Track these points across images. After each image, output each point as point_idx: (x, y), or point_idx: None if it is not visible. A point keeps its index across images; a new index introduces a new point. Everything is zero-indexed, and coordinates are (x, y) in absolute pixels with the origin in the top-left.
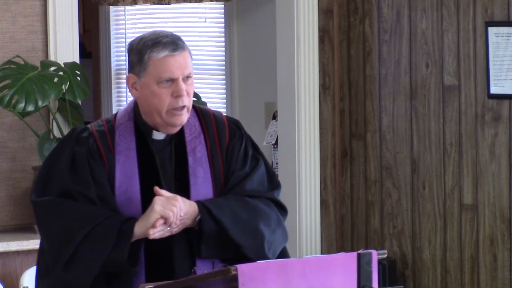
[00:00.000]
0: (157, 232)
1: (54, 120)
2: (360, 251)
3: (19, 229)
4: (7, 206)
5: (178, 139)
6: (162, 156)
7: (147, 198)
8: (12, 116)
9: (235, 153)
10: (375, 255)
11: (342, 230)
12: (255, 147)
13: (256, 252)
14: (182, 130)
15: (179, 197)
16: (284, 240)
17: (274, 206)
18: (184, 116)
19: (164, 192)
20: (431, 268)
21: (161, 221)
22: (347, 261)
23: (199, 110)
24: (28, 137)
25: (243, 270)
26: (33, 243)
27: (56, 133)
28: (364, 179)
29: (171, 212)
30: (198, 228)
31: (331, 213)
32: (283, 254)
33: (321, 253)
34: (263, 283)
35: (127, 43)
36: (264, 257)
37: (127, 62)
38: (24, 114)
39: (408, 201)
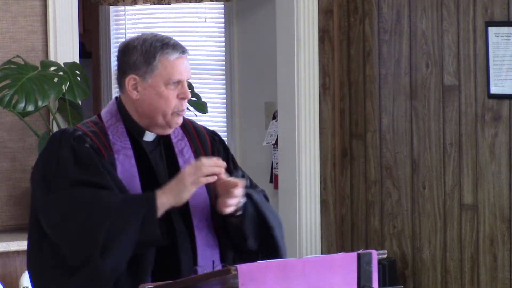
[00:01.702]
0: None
1: (54, 120)
2: (360, 251)
3: (19, 229)
4: (7, 206)
5: (165, 141)
6: (154, 157)
7: None
8: (12, 116)
9: (222, 158)
10: (375, 255)
11: (342, 230)
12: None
13: (282, 236)
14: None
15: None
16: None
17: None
18: (181, 118)
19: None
20: (431, 268)
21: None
22: (347, 261)
23: None
24: (28, 137)
25: (243, 270)
26: None
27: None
28: (364, 179)
29: (207, 165)
30: (242, 213)
31: (331, 213)
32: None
33: (321, 253)
34: (263, 283)
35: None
36: (284, 244)
37: (123, 63)
38: (24, 114)
39: (408, 201)
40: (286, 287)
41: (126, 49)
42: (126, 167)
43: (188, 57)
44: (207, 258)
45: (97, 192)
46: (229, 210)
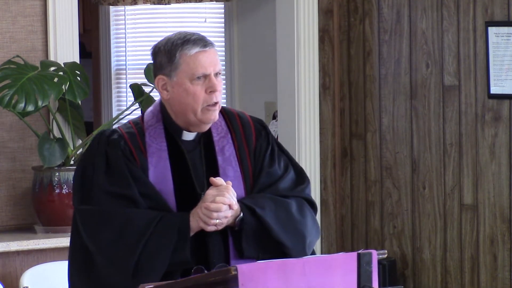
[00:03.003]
0: (212, 226)
1: (54, 120)
2: (360, 251)
3: (19, 229)
4: (7, 206)
5: (206, 139)
6: (192, 157)
7: (181, 199)
8: (12, 116)
9: (263, 152)
10: (375, 255)
11: (342, 230)
12: (279, 145)
13: (299, 251)
14: (209, 130)
15: (230, 187)
16: (317, 238)
17: (307, 205)
18: (217, 113)
19: (218, 181)
20: (431, 268)
21: (215, 214)
22: (347, 261)
23: (223, 110)
24: (28, 137)
25: (243, 270)
26: (33, 243)
27: (56, 133)
28: (364, 179)
29: (221, 203)
30: (239, 228)
31: (331, 213)
32: (312, 253)
33: (321, 253)
34: (263, 283)
35: (127, 43)
36: (305, 255)
37: (153, 65)
38: (24, 114)
39: (408, 201)
40: (286, 287)
41: (153, 52)
42: (159, 170)
43: None
44: None
45: (130, 212)
46: (210, 228)
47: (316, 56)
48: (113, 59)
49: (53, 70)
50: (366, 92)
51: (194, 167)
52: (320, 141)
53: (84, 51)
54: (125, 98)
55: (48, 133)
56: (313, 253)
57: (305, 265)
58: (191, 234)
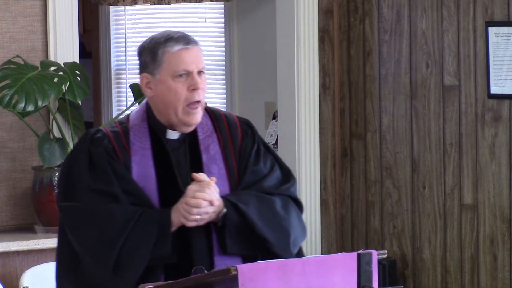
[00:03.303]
0: (193, 221)
1: (54, 120)
2: (360, 251)
3: (19, 229)
4: (7, 206)
5: (191, 138)
6: (177, 155)
7: (164, 196)
8: (12, 116)
9: (248, 151)
10: (375, 255)
11: (342, 230)
12: (265, 145)
13: (283, 248)
14: (195, 130)
15: (212, 183)
16: (303, 236)
17: (292, 202)
18: (199, 115)
19: (200, 176)
20: (431, 268)
21: (195, 210)
22: (347, 261)
23: (210, 110)
24: (28, 137)
25: (243, 270)
26: (33, 243)
27: (56, 133)
28: (364, 179)
29: (202, 199)
30: (222, 224)
31: (331, 213)
32: (299, 252)
33: (321, 253)
34: (263, 283)
35: (127, 43)
36: (290, 253)
37: (139, 64)
38: (24, 114)
39: (408, 201)
40: (286, 287)
41: (138, 51)
42: (142, 168)
43: None
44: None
45: (110, 210)
46: (190, 224)
47: (316, 56)
48: (113, 59)
49: (53, 70)
50: (366, 92)
51: (178, 165)
52: (320, 141)
53: (84, 51)
54: (125, 98)
55: (48, 133)
56: (300, 251)
57: (305, 265)
58: (173, 229)
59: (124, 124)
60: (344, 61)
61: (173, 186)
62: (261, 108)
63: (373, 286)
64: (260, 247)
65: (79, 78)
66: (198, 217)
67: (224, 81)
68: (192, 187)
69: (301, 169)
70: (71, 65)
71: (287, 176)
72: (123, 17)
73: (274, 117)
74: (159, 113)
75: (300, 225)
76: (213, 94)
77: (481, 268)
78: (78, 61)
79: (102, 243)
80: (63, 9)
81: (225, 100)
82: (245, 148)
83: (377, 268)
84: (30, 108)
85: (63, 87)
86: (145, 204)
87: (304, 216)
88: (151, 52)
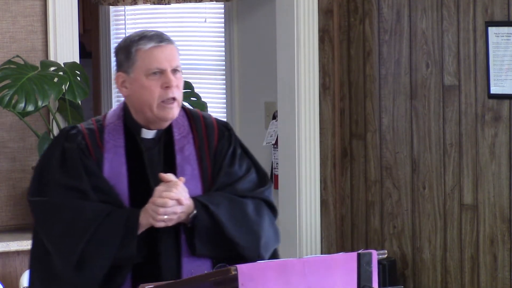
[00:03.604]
0: (161, 221)
1: (54, 120)
2: (360, 251)
3: (19, 229)
4: (7, 206)
5: (166, 138)
6: (151, 155)
7: (135, 195)
8: (12, 116)
9: (223, 152)
10: (375, 255)
11: (342, 230)
12: (243, 148)
13: (253, 251)
14: (171, 129)
15: (180, 183)
16: (276, 241)
17: (265, 206)
18: (175, 110)
19: (168, 176)
20: (431, 268)
21: (162, 210)
22: (347, 261)
23: (189, 111)
24: (28, 137)
25: (243, 270)
26: None
27: (56, 133)
28: (364, 179)
29: (168, 198)
30: (192, 225)
31: (331, 213)
32: (274, 255)
33: (321, 253)
34: (263, 283)
35: None
36: (260, 256)
37: (115, 64)
38: (24, 114)
39: (408, 201)
40: (286, 287)
41: (115, 50)
42: (114, 166)
43: (188, 56)
44: (194, 268)
45: (79, 206)
46: (159, 224)
47: (316, 56)
48: (113, 59)
49: (53, 70)
50: (366, 92)
51: (151, 164)
52: (320, 141)
53: (84, 51)
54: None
55: (48, 133)
56: (276, 255)
57: (305, 265)
58: (141, 230)
59: (100, 122)
60: (344, 61)
61: (144, 185)
62: (261, 108)
63: (373, 286)
64: (229, 250)
65: (79, 78)
66: (165, 217)
67: (224, 81)
68: (159, 188)
69: (301, 169)
70: (71, 65)
71: (263, 180)
72: (123, 17)
73: (274, 117)
74: (136, 111)
75: (272, 229)
76: (213, 94)
77: (481, 268)
78: (78, 61)
79: (67, 239)
80: (63, 9)
81: (225, 100)
82: (221, 149)
83: (377, 268)
84: (30, 108)
85: (63, 87)
86: (115, 202)
87: (304, 216)
88: (125, 51)
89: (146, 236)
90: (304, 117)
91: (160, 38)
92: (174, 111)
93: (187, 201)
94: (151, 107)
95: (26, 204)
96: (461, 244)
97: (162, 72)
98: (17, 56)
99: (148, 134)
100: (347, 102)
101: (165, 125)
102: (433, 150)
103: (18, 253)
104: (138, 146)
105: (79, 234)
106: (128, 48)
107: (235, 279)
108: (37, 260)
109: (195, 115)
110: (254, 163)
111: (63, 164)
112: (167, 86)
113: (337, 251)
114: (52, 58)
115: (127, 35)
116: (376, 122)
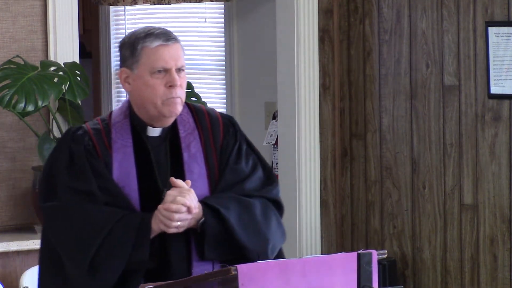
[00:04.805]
0: (173, 228)
1: (54, 120)
2: (360, 251)
3: (19, 229)
4: (7, 206)
5: (172, 136)
6: (157, 153)
7: (144, 196)
8: (12, 116)
9: (229, 149)
10: (375, 255)
11: (342, 230)
12: (249, 144)
13: (261, 255)
14: (176, 127)
15: (192, 190)
16: (282, 241)
17: (272, 206)
18: (179, 106)
19: (179, 182)
20: (431, 268)
21: (177, 216)
22: (347, 261)
23: (193, 107)
24: (28, 137)
25: (243, 270)
26: (33, 243)
27: (56, 133)
28: (364, 179)
29: (182, 204)
30: (200, 230)
31: (331, 213)
32: (279, 255)
33: (321, 253)
34: (263, 283)
35: None
36: (267, 259)
37: (119, 59)
38: (24, 114)
39: (408, 201)
40: (286, 287)
41: (119, 46)
42: (124, 166)
43: (188, 56)
44: (204, 272)
45: (90, 210)
46: (171, 230)
47: (316, 56)
48: (113, 59)
49: (53, 70)
50: (366, 92)
51: (158, 163)
52: (320, 141)
53: (84, 51)
54: (125, 98)
55: (48, 133)
56: (281, 254)
57: (305, 265)
58: (152, 235)
59: (105, 121)
60: (344, 61)
61: (152, 185)
62: (261, 108)
63: (373, 286)
64: (238, 253)
65: (79, 78)
66: (179, 223)
67: (224, 81)
68: (171, 192)
69: (301, 169)
70: (71, 65)
71: (270, 178)
72: (123, 17)
73: (274, 117)
74: (138, 108)
75: (279, 230)
76: (213, 94)
77: (481, 268)
78: (78, 61)
79: (79, 243)
80: (63, 9)
81: (225, 100)
82: (227, 145)
83: (377, 268)
84: (30, 108)
85: (63, 87)
86: (124, 203)
87: (304, 216)
88: (131, 47)
89: (157, 242)
90: (304, 117)
91: (167, 36)
92: (178, 107)
93: (196, 210)
94: (155, 105)
95: (26, 204)
96: (461, 244)
97: (167, 71)
98: (17, 56)
99: (153, 132)
100: (347, 102)
101: (170, 122)
102: (433, 150)
103: (18, 253)
104: (145, 145)
105: (91, 239)
106: (133, 44)
107: (235, 279)
108: (48, 265)
109: (200, 111)
110: (259, 159)
111: (70, 167)
112: (171, 85)
113: (337, 251)
114: (52, 58)
115: (132, 30)
116: (376, 122)
